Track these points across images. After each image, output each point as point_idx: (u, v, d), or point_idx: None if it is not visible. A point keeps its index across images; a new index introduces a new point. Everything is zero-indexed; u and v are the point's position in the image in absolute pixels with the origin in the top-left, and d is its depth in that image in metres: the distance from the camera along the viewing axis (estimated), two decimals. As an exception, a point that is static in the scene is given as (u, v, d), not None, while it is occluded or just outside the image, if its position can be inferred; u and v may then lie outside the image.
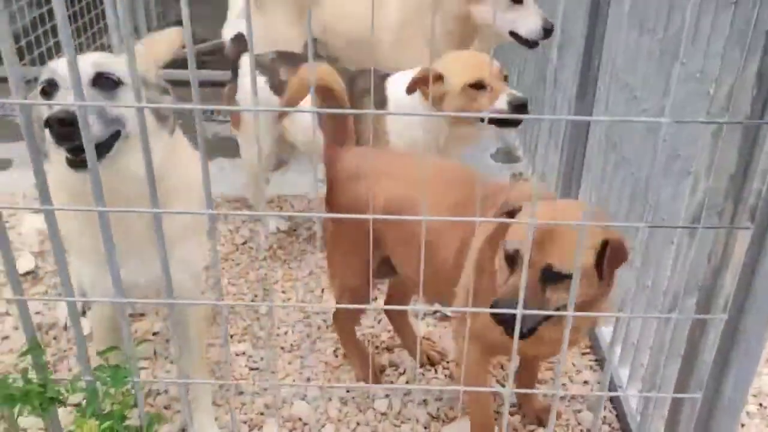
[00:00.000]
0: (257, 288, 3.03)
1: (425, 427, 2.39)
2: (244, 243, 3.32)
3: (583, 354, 2.70)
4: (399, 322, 2.66)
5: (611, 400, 2.45)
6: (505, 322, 1.67)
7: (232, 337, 2.77)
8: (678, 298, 1.69)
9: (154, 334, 2.78)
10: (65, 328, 2.78)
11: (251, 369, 2.63)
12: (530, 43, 3.10)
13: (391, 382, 2.58)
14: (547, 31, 3.05)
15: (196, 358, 2.26)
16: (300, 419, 2.41)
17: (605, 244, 1.69)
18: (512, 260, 1.77)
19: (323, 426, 2.40)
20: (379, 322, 2.85)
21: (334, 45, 3.55)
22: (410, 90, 2.58)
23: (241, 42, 3.05)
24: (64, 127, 1.57)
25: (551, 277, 1.69)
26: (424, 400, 2.50)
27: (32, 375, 1.69)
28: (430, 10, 3.15)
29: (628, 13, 2.30)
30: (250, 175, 3.31)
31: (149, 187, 1.45)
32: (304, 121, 2.95)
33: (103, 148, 1.69)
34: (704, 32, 1.83)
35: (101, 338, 2.12)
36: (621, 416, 2.37)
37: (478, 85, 2.51)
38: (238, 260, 3.20)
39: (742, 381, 1.65)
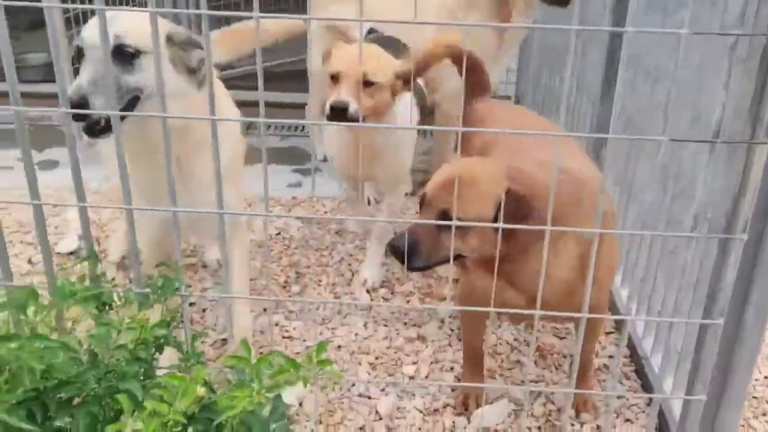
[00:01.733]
0: (290, 271, 3.14)
1: (452, 389, 2.45)
2: (278, 233, 3.44)
3: (608, 333, 2.76)
4: None
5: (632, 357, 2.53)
6: (395, 254, 1.86)
7: (265, 310, 2.86)
8: (698, 222, 1.76)
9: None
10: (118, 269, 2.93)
11: (284, 338, 2.72)
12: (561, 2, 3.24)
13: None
14: None
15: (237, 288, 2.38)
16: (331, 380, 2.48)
17: (509, 194, 1.75)
18: (421, 204, 1.91)
19: (353, 385, 2.47)
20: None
21: None
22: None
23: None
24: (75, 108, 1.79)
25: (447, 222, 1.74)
26: (451, 368, 2.57)
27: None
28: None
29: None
30: None
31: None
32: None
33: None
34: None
35: (150, 264, 2.26)
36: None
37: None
38: (272, 247, 3.31)
39: (763, 304, 1.72)
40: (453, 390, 2.44)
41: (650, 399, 2.39)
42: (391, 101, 2.65)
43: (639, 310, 2.54)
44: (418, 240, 1.82)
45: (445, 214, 1.79)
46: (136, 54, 1.91)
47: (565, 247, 1.89)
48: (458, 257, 1.87)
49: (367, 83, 2.54)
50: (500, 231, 1.67)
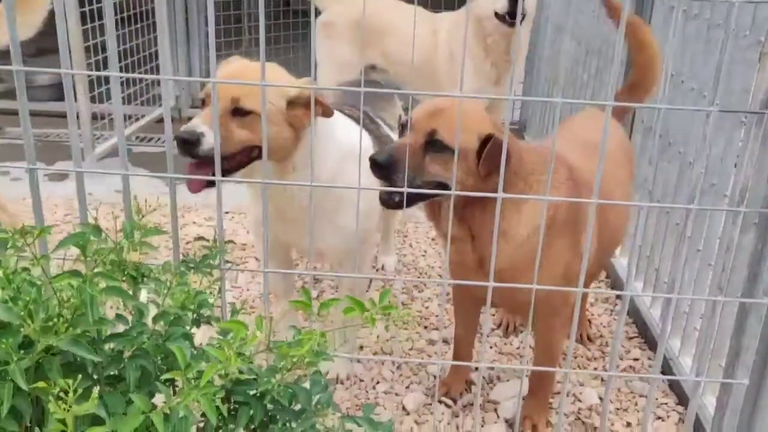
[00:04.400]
0: (306, 276, 3.11)
1: (473, 384, 2.41)
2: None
3: (631, 338, 2.74)
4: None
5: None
6: (376, 168, 1.78)
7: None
8: (744, 196, 1.76)
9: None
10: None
11: (303, 339, 2.68)
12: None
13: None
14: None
15: None
16: (356, 376, 2.45)
17: (489, 138, 1.78)
18: (403, 129, 1.88)
19: (377, 383, 2.43)
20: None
21: (395, 69, 4.02)
22: None
23: None
24: None
25: (434, 144, 1.78)
26: (475, 368, 2.53)
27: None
28: (473, 38, 3.68)
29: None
30: None
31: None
32: None
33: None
34: None
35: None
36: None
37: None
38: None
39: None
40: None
41: (680, 397, 2.37)
42: (289, 135, 1.97)
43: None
44: (401, 159, 1.74)
45: (431, 136, 1.79)
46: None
47: (532, 209, 1.87)
48: (440, 186, 1.81)
49: (240, 111, 1.90)
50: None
